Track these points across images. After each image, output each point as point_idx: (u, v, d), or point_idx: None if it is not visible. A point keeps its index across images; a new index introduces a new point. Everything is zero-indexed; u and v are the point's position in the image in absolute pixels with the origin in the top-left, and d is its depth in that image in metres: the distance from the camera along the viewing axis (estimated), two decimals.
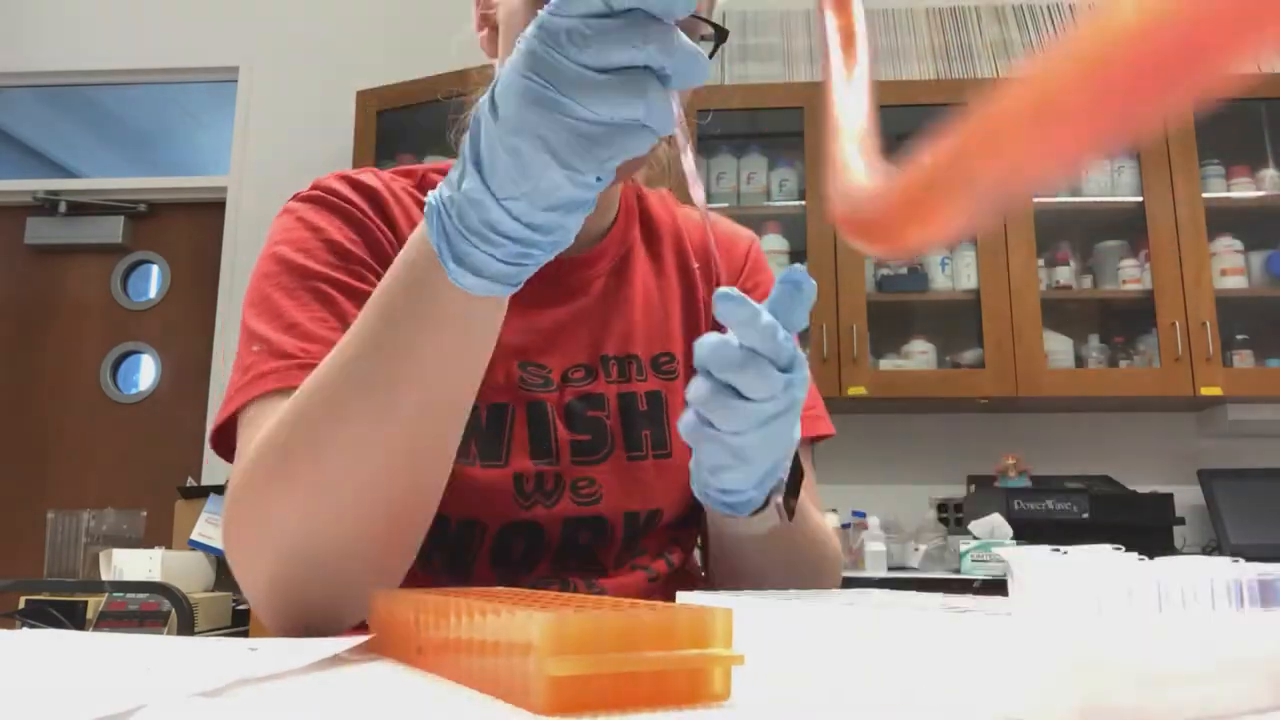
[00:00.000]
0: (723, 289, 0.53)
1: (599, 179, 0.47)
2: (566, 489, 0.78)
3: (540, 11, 0.44)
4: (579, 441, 0.79)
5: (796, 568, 0.75)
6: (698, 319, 0.88)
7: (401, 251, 0.56)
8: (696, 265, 0.89)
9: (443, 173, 0.86)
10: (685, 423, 0.59)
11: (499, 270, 0.50)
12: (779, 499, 0.63)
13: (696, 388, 0.57)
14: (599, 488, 0.79)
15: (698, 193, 0.54)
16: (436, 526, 0.77)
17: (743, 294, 0.53)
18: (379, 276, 0.64)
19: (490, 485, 0.76)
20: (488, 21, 0.78)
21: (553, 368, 0.81)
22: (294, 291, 0.70)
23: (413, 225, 0.81)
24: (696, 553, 0.91)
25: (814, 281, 0.57)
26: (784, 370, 0.56)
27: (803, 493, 0.72)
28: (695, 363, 0.56)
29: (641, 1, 0.42)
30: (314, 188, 0.78)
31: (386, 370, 0.57)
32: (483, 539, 0.76)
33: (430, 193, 0.51)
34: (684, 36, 0.44)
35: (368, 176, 0.79)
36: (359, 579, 0.61)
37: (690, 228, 0.91)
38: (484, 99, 0.47)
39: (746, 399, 0.56)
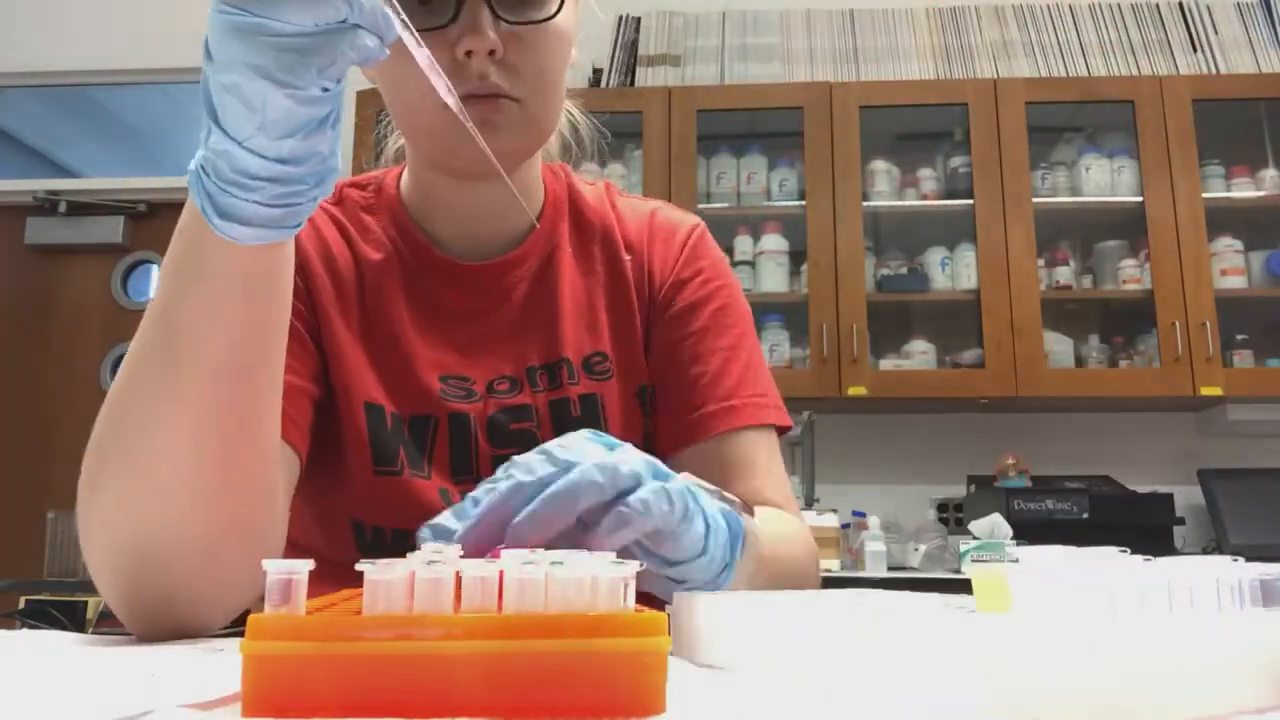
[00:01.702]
0: (619, 513, 0.51)
1: (325, 89, 0.47)
2: None
3: None
4: (503, 456, 0.78)
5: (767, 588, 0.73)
6: (630, 311, 0.85)
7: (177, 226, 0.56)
8: (628, 256, 0.86)
9: (358, 186, 0.86)
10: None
11: (266, 215, 0.49)
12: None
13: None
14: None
15: (439, 84, 0.53)
16: (373, 537, 0.77)
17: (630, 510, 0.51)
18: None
19: (419, 496, 0.75)
20: None
21: (476, 379, 0.80)
22: None
23: (319, 241, 0.80)
24: None
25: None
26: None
27: (760, 548, 0.68)
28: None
29: None
30: None
31: (168, 338, 0.55)
32: (417, 548, 0.76)
33: (192, 160, 0.51)
34: None
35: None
36: (198, 573, 0.59)
37: (628, 217, 0.88)
38: (203, 51, 0.47)
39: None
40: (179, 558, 0.59)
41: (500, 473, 0.53)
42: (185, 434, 0.56)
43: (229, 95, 0.46)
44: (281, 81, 0.45)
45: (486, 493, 0.52)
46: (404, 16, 0.49)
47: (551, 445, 0.54)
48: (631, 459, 0.53)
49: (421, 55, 0.52)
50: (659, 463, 0.55)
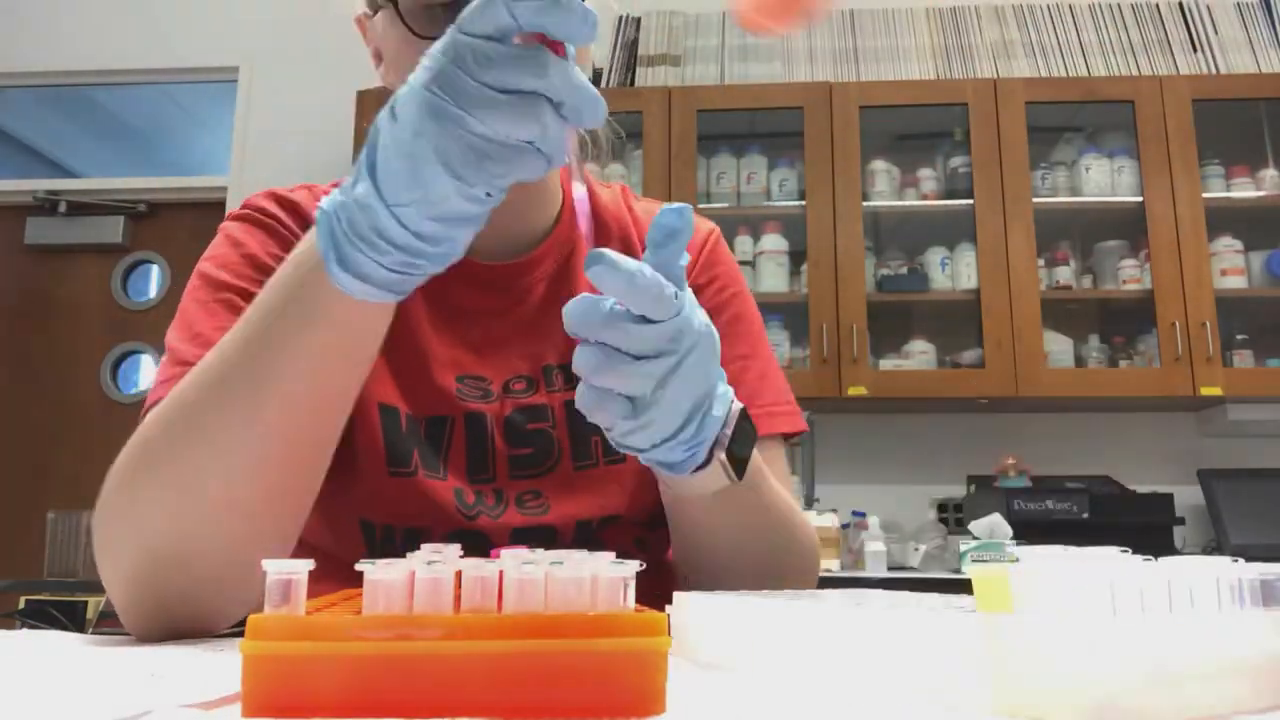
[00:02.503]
0: (595, 250, 0.49)
1: (488, 194, 0.48)
2: (511, 502, 0.78)
3: (451, 27, 0.46)
4: (520, 455, 0.78)
5: (754, 537, 0.72)
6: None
7: (290, 254, 0.57)
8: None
9: None
10: (579, 395, 0.54)
11: (384, 278, 0.51)
12: (721, 454, 0.60)
13: (578, 355, 0.53)
14: (545, 500, 0.78)
15: (583, 224, 0.54)
16: (383, 536, 0.77)
17: (615, 254, 0.50)
18: None
19: (433, 496, 0.76)
20: (379, 57, 0.79)
21: (493, 379, 0.80)
22: (207, 304, 0.71)
23: None
24: None
25: (688, 219, 0.53)
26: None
27: (764, 466, 0.70)
28: (567, 328, 0.52)
29: (545, 29, 0.45)
30: (244, 206, 0.80)
31: (255, 366, 0.57)
32: (420, 549, 0.76)
33: (324, 198, 0.52)
34: (584, 77, 0.47)
35: (299, 194, 0.80)
36: (222, 581, 0.61)
37: (646, 221, 0.89)
38: (384, 110, 0.48)
39: (634, 357, 0.52)
40: (207, 563, 0.60)
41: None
42: (254, 457, 0.58)
43: (400, 161, 0.47)
44: (456, 173, 0.46)
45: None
46: (577, 155, 0.51)
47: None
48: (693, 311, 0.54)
49: (578, 189, 0.53)
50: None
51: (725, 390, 0.58)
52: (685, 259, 0.54)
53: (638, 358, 0.52)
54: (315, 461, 0.62)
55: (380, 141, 0.48)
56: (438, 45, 0.46)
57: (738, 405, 0.61)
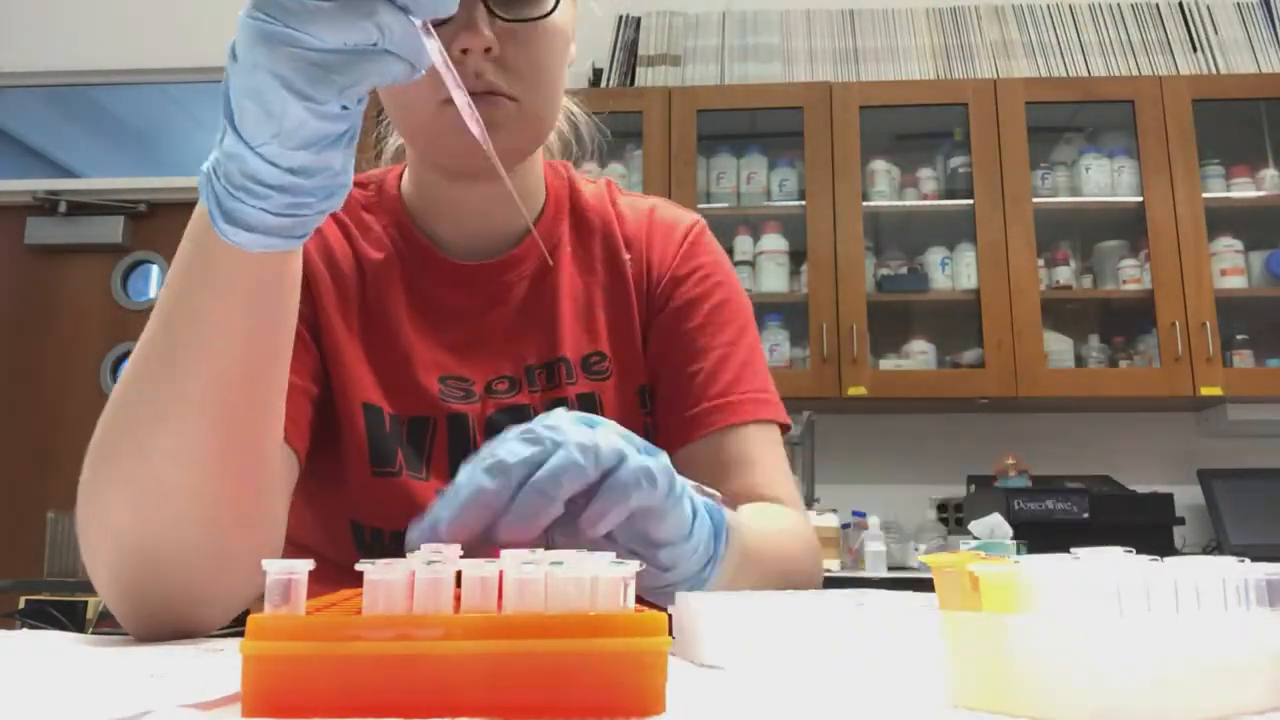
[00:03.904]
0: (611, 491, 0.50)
1: (345, 107, 0.47)
2: None
3: None
4: None
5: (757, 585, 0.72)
6: (629, 311, 0.84)
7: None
8: (628, 255, 0.85)
9: (359, 185, 0.85)
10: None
11: (272, 223, 0.49)
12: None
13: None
14: None
15: (476, 130, 0.52)
16: (372, 539, 0.77)
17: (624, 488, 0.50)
18: None
19: (417, 498, 0.75)
20: None
21: (475, 379, 0.80)
22: None
23: (320, 239, 0.80)
24: None
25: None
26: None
27: (749, 524, 0.68)
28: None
29: None
30: None
31: (172, 343, 0.56)
32: (418, 549, 0.76)
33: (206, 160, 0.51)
34: None
35: None
36: (201, 574, 0.60)
37: (628, 216, 0.88)
38: (227, 54, 0.47)
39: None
40: (181, 558, 0.59)
41: (484, 451, 0.52)
42: (189, 437, 0.56)
43: (248, 100, 0.46)
44: (302, 94, 0.45)
45: (469, 476, 0.51)
46: (440, 46, 0.48)
47: (535, 423, 0.53)
48: (612, 436, 0.52)
49: (458, 96, 0.51)
50: (641, 440, 0.54)
51: (705, 511, 0.59)
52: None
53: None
54: (258, 436, 0.60)
55: (229, 83, 0.47)
56: None
57: (713, 507, 0.61)
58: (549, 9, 0.72)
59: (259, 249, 0.51)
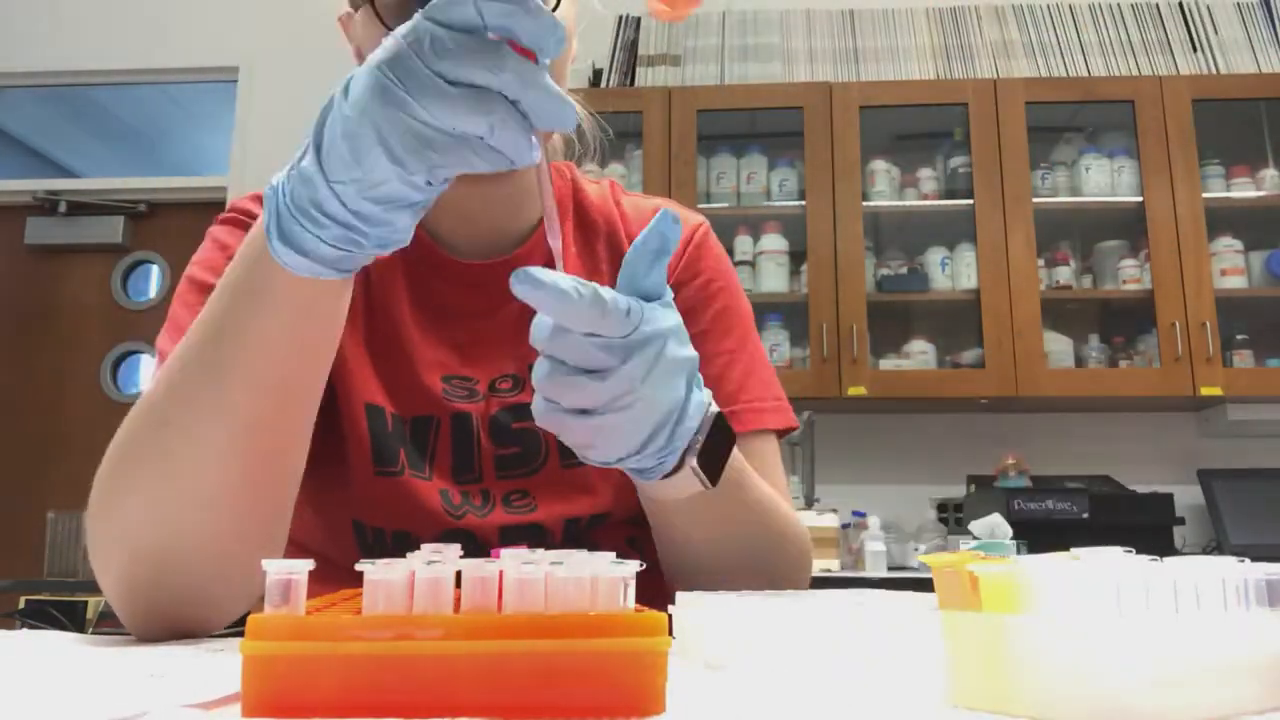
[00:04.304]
0: (521, 269, 0.48)
1: (429, 183, 0.48)
2: (498, 502, 0.77)
3: (418, 12, 0.45)
4: (506, 455, 0.78)
5: (734, 539, 0.71)
6: None
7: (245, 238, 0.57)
8: None
9: None
10: (536, 407, 0.53)
11: (325, 253, 0.50)
12: (693, 462, 0.58)
13: (536, 369, 0.52)
14: (532, 499, 0.78)
15: (554, 241, 0.53)
16: (374, 539, 0.77)
17: (538, 270, 0.48)
18: None
19: (419, 497, 0.75)
20: (359, 55, 0.78)
21: (479, 379, 0.80)
22: (193, 306, 0.71)
23: None
24: None
25: (676, 230, 0.52)
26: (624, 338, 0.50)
27: (746, 466, 0.68)
28: (531, 341, 0.51)
29: (512, 31, 0.44)
30: (229, 209, 0.80)
31: (217, 354, 0.57)
32: (417, 548, 0.76)
33: (276, 174, 0.51)
34: (550, 80, 0.46)
35: None
36: (211, 580, 0.61)
37: (632, 216, 0.88)
38: (340, 83, 0.48)
39: (586, 372, 0.50)
40: (195, 563, 0.60)
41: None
42: (223, 446, 0.58)
43: (344, 140, 0.46)
44: (396, 158, 0.45)
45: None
46: (545, 158, 0.49)
47: None
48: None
49: (548, 204, 0.52)
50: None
51: (700, 397, 0.57)
52: (654, 280, 0.53)
53: (591, 372, 0.50)
54: (288, 452, 0.61)
55: (329, 116, 0.48)
56: (402, 27, 0.45)
57: (713, 410, 0.59)
58: (551, 8, 0.72)
59: (306, 274, 0.52)
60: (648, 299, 0.53)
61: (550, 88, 0.46)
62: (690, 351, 0.55)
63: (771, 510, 0.74)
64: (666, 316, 0.53)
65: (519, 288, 0.48)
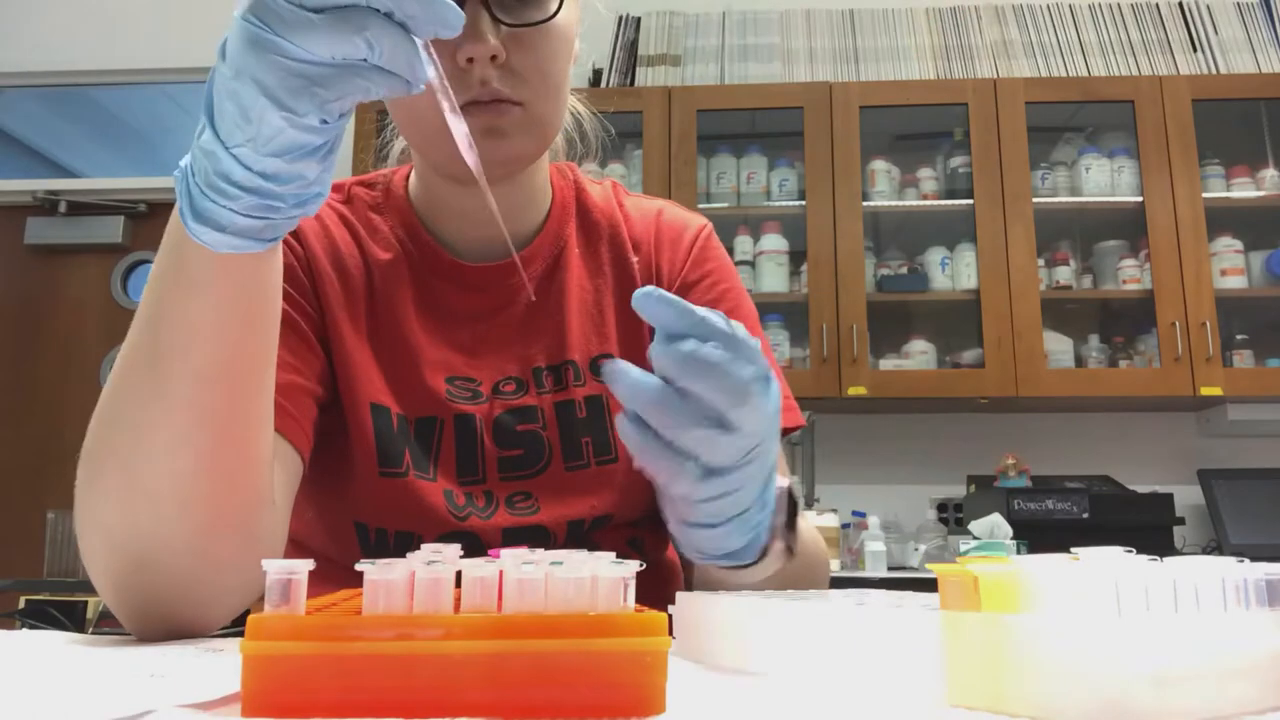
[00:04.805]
0: (643, 289, 0.46)
1: (324, 121, 0.46)
2: (501, 503, 0.77)
3: None
4: (509, 457, 0.78)
5: (782, 581, 0.70)
6: (638, 315, 0.85)
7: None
8: (635, 258, 0.85)
9: (366, 185, 0.85)
10: (638, 446, 0.49)
11: (242, 225, 0.49)
12: (779, 543, 0.57)
13: (659, 400, 0.48)
14: (535, 501, 0.78)
15: (471, 158, 0.52)
16: (376, 540, 0.76)
17: (667, 293, 0.47)
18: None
19: (423, 498, 0.75)
20: None
21: (483, 380, 0.79)
22: None
23: (328, 241, 0.80)
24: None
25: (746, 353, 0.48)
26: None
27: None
28: (657, 365, 0.48)
29: None
30: None
31: (153, 345, 0.55)
32: (419, 549, 0.76)
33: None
34: None
35: None
36: (192, 574, 0.60)
37: (636, 218, 0.88)
38: (217, 48, 0.46)
39: (728, 429, 0.48)
40: (171, 559, 0.59)
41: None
42: (172, 438, 0.56)
43: (228, 101, 0.45)
44: (280, 103, 0.44)
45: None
46: (438, 64, 0.47)
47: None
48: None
49: (454, 123, 0.50)
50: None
51: (776, 476, 0.56)
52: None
53: (731, 430, 0.48)
54: (247, 441, 0.59)
55: (212, 82, 0.46)
56: None
57: (783, 482, 0.59)
58: (553, 12, 0.71)
59: (226, 249, 0.50)
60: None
61: None
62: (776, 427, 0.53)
63: (816, 555, 0.75)
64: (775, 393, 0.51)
65: (649, 308, 0.47)
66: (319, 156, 0.48)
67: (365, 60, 0.44)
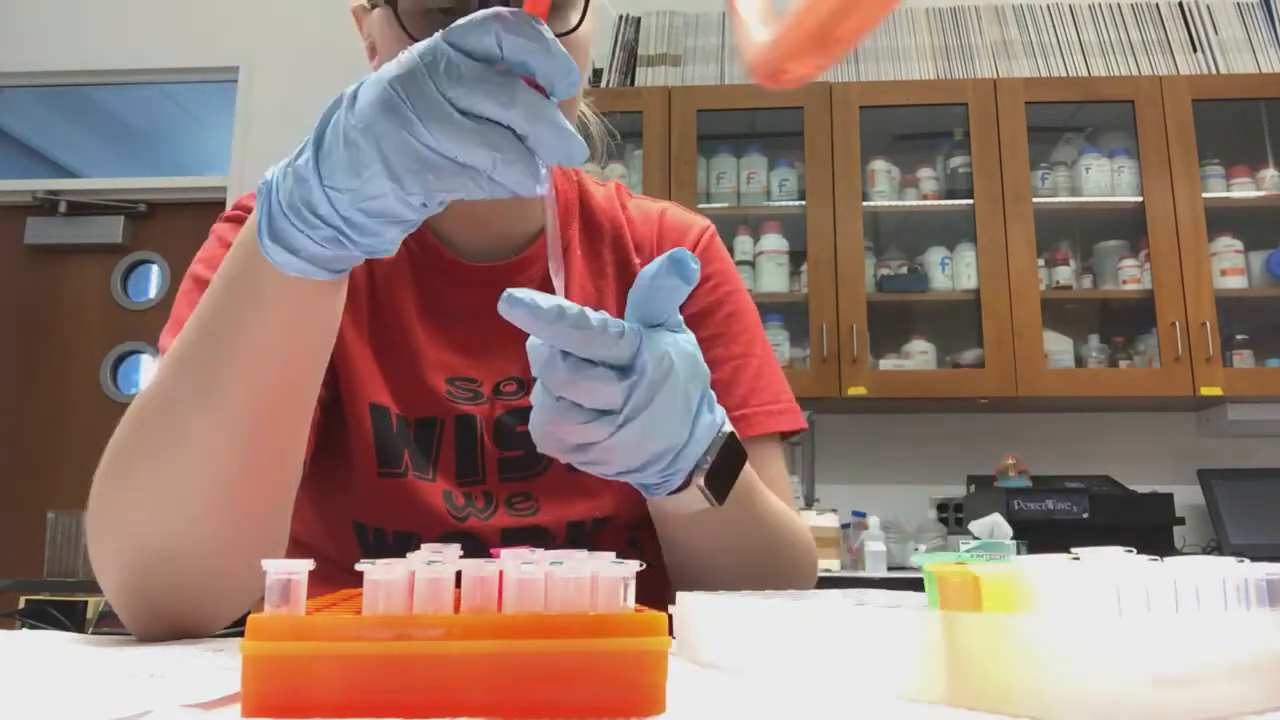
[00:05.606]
0: (509, 291, 0.48)
1: (424, 205, 0.47)
2: (500, 504, 0.77)
3: (439, 32, 0.44)
4: (509, 458, 0.78)
5: (739, 551, 0.71)
6: None
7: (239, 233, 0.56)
8: (638, 260, 0.85)
9: None
10: (533, 429, 0.53)
11: (314, 253, 0.50)
12: (700, 481, 0.58)
13: (535, 398, 0.53)
14: (535, 502, 0.78)
15: (558, 283, 0.53)
16: (375, 539, 0.76)
17: (533, 293, 0.48)
18: None
19: (422, 498, 0.75)
20: (373, 50, 0.77)
21: (483, 380, 0.80)
22: (195, 303, 0.71)
23: None
24: None
25: (693, 267, 0.51)
26: (625, 368, 0.51)
27: (756, 480, 0.69)
28: (533, 371, 0.52)
29: (528, 67, 0.44)
30: (234, 206, 0.80)
31: (211, 353, 0.56)
32: (418, 549, 0.76)
33: (272, 166, 0.51)
34: (561, 116, 0.45)
35: None
36: (212, 580, 0.61)
37: (639, 220, 0.88)
38: (351, 87, 0.47)
39: (586, 409, 0.51)
40: (194, 560, 0.60)
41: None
42: (218, 445, 0.57)
43: (344, 148, 0.45)
44: (395, 176, 0.45)
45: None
46: (553, 189, 0.49)
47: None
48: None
49: (553, 245, 0.53)
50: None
51: (711, 418, 0.57)
52: (665, 314, 0.53)
53: (589, 410, 0.51)
54: (285, 453, 0.61)
55: (332, 120, 0.47)
56: (420, 44, 0.44)
57: (726, 429, 0.59)
58: (574, 25, 0.71)
59: (295, 273, 0.51)
60: (655, 324, 0.52)
61: (559, 124, 0.45)
62: (701, 371, 0.55)
63: (780, 522, 0.75)
64: (674, 341, 0.53)
65: (510, 312, 0.48)
66: (403, 227, 0.49)
67: (483, 170, 0.45)
